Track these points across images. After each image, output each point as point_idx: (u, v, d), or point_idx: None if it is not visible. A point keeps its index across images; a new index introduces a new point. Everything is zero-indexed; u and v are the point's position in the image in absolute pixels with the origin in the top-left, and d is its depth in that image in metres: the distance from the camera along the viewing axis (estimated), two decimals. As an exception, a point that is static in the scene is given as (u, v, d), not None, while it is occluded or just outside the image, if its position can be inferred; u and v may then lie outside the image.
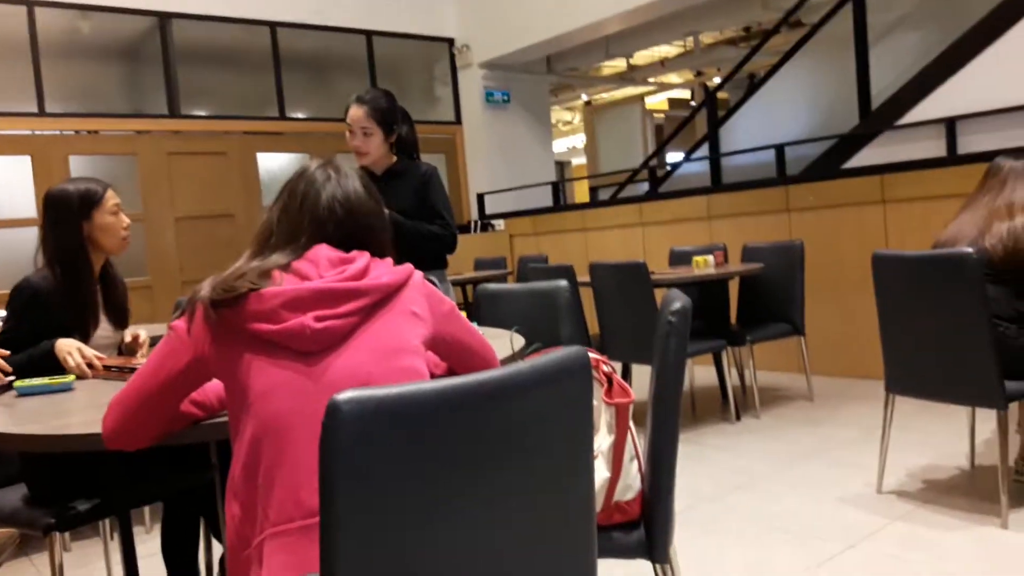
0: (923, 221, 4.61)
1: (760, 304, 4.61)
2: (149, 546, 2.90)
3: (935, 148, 4.98)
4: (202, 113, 7.34)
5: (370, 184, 1.44)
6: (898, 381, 2.95)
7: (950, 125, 4.91)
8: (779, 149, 5.72)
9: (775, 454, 3.67)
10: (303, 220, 1.34)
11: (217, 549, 2.43)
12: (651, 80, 11.73)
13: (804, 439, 3.86)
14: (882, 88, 5.62)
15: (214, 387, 1.38)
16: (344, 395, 0.90)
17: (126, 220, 2.33)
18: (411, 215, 2.84)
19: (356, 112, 2.85)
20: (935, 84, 5.11)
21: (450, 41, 8.81)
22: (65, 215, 2.22)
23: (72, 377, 1.92)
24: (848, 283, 5.03)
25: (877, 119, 5.53)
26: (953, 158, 4.72)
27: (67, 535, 3.20)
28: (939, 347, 2.76)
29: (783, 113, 6.56)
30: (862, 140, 5.55)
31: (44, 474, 2.03)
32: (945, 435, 3.67)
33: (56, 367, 2.03)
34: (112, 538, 2.98)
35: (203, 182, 7.11)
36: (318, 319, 1.21)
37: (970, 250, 2.59)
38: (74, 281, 2.22)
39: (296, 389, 1.19)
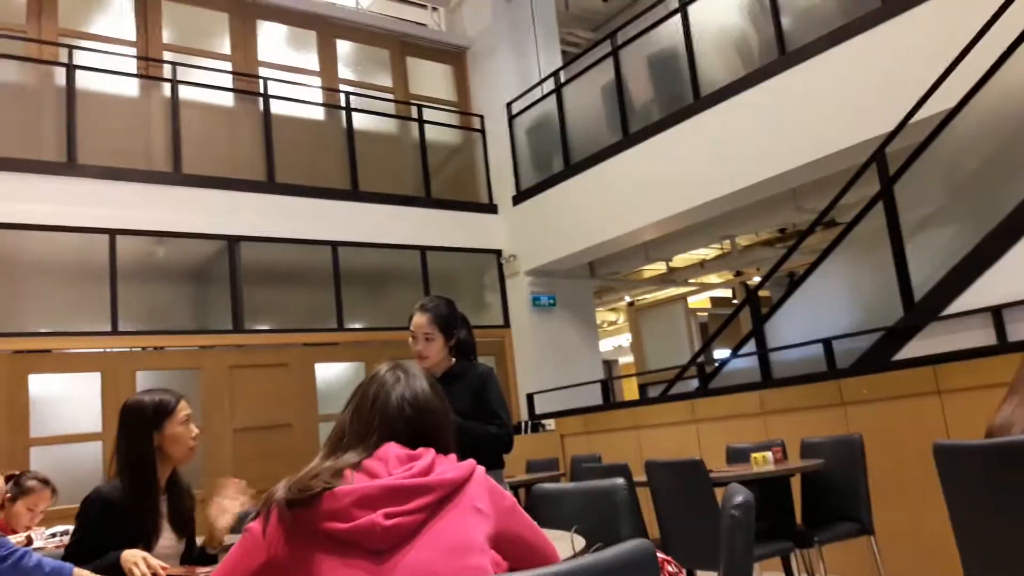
0: (984, 411, 4.48)
1: (825, 502, 4.44)
2: None
3: (984, 336, 4.96)
4: (264, 327, 7.66)
5: (436, 383, 1.53)
6: (981, 580, 2.78)
7: (996, 313, 4.92)
8: (827, 343, 5.74)
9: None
10: (374, 419, 1.42)
11: None
12: (691, 281, 12.04)
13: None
14: (923, 279, 5.70)
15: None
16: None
17: (195, 430, 2.44)
18: (469, 416, 2.91)
19: (420, 319, 3.03)
20: (976, 274, 5.17)
21: (498, 252, 9.28)
22: (139, 425, 2.34)
23: (139, 586, 1.94)
24: (913, 477, 4.84)
25: (922, 310, 5.56)
26: (1004, 346, 4.69)
27: None
28: (1018, 539, 2.62)
29: (826, 308, 6.63)
30: (909, 332, 5.55)
31: None
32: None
33: (122, 577, 2.05)
34: None
35: (262, 393, 7.26)
36: (387, 516, 1.25)
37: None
38: (140, 490, 2.29)
39: (366, 588, 1.21)
